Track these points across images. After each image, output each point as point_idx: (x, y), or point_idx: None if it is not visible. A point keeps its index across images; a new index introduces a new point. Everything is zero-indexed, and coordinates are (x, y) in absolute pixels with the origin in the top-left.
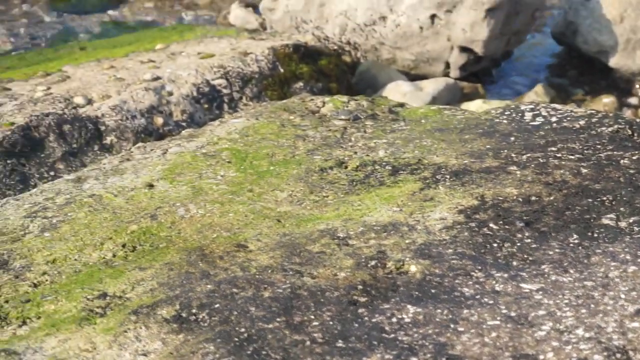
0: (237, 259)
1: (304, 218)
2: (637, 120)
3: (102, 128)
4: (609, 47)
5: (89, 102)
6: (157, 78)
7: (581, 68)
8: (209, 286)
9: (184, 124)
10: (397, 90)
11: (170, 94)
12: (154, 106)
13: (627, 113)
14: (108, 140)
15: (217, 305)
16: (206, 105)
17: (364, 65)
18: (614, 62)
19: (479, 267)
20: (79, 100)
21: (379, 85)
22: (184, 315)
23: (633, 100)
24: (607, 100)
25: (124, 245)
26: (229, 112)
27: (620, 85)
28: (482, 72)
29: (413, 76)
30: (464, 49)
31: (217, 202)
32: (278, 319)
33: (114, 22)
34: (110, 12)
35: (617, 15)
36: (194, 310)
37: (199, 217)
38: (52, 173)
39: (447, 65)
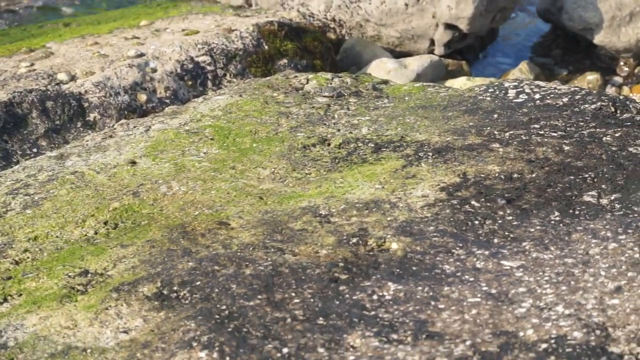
0: (218, 237)
1: (286, 195)
2: (621, 97)
3: (86, 105)
4: (594, 24)
5: (73, 78)
6: (141, 55)
7: (566, 46)
8: (190, 263)
9: (167, 100)
10: (381, 68)
11: (154, 70)
12: (137, 83)
13: (611, 90)
14: (91, 117)
15: (198, 283)
16: (190, 82)
17: (348, 42)
18: (599, 39)
19: (460, 245)
20: (62, 76)
21: (363, 63)
22: (165, 292)
23: (617, 78)
24: (591, 78)
25: (105, 223)
26: (213, 89)
27: (605, 62)
28: (467, 49)
29: (398, 53)
30: (449, 26)
31: (199, 180)
32: (259, 297)
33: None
34: None
35: None
36: (175, 288)
37: (181, 195)
38: (34, 150)
39: (432, 42)
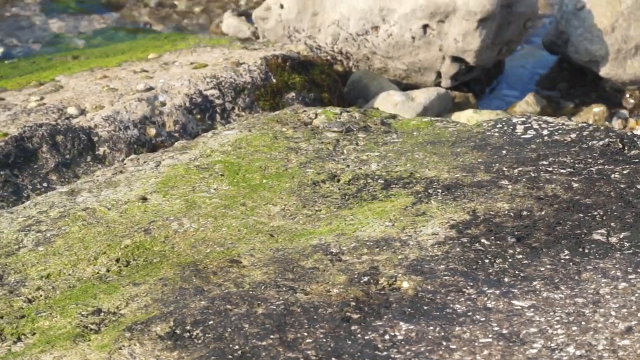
0: (230, 275)
1: (297, 233)
2: (628, 133)
3: (95, 139)
4: (600, 57)
5: (82, 112)
6: (150, 88)
7: (572, 79)
8: (202, 302)
9: (176, 134)
10: (388, 100)
11: (163, 104)
12: (146, 117)
13: (617, 123)
14: (101, 151)
15: (211, 322)
16: (199, 116)
17: (355, 75)
18: (604, 71)
19: (471, 284)
20: (72, 110)
21: (370, 95)
22: (178, 332)
23: (623, 111)
24: (597, 110)
25: (117, 260)
26: (222, 122)
27: (611, 95)
28: (473, 81)
29: (405, 85)
30: (455, 59)
31: (210, 216)
32: (272, 336)
33: (107, 28)
34: (104, 16)
35: (608, 25)
36: (188, 327)
37: (192, 232)
38: (45, 184)
39: (439, 74)
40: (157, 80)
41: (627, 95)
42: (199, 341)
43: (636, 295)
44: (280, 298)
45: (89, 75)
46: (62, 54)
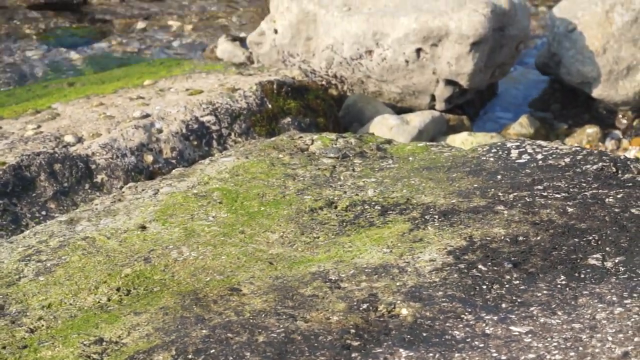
0: (231, 303)
1: (296, 260)
2: (621, 157)
3: (93, 167)
4: (591, 78)
5: (79, 140)
6: (147, 115)
7: (565, 100)
8: (204, 331)
9: (173, 161)
10: (384, 124)
11: (160, 131)
12: (143, 144)
13: (611, 143)
14: (99, 178)
15: (212, 351)
16: (195, 142)
17: (350, 99)
18: (597, 92)
19: (469, 310)
20: (69, 138)
21: (366, 119)
22: None
23: (616, 131)
24: (590, 131)
25: (118, 289)
26: (218, 148)
27: (604, 116)
28: (467, 104)
29: (399, 109)
30: (449, 82)
31: (209, 245)
32: None
33: (102, 55)
34: (97, 44)
35: (599, 47)
36: (190, 356)
37: (192, 260)
38: (43, 212)
39: (433, 97)
40: (154, 107)
41: (620, 116)
42: None
43: (632, 320)
44: (281, 326)
45: (85, 102)
46: (58, 81)
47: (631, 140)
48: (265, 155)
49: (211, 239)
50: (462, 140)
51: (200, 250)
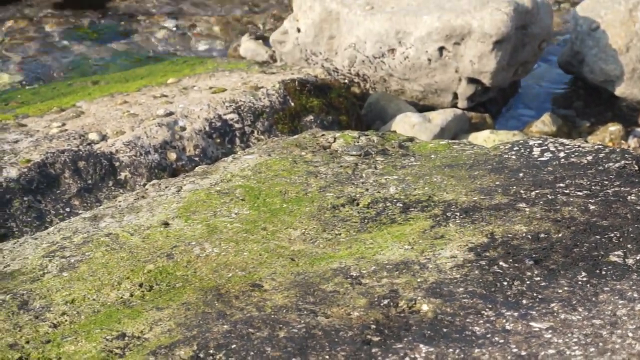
0: (252, 299)
1: (318, 257)
2: None
3: (117, 164)
4: (614, 77)
5: (104, 138)
6: (170, 113)
7: (587, 98)
8: (225, 326)
9: (196, 159)
10: (406, 122)
11: (183, 129)
12: (167, 141)
13: (634, 141)
14: (122, 176)
15: (234, 346)
16: (218, 140)
17: (373, 97)
18: (620, 91)
19: (490, 306)
20: (93, 136)
21: (388, 117)
22: (201, 356)
23: (639, 129)
24: (613, 129)
25: (141, 285)
26: (241, 146)
27: (627, 114)
28: (489, 102)
29: (421, 107)
30: (471, 80)
31: (231, 241)
32: (294, 359)
33: (125, 53)
34: (121, 42)
35: (622, 45)
36: (211, 351)
37: (214, 256)
38: (67, 209)
39: (455, 95)
40: (177, 105)
41: None
42: None
43: None
44: (302, 321)
45: (109, 100)
46: (82, 80)
47: None
48: (288, 153)
49: (233, 236)
50: (484, 138)
51: (222, 247)
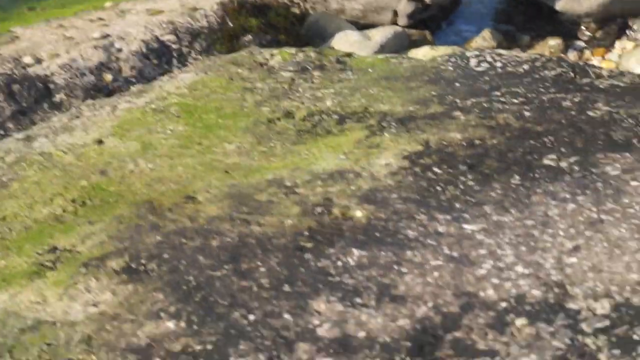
0: (185, 211)
1: (252, 169)
2: (580, 63)
3: (52, 86)
4: None
5: (38, 61)
6: (107, 36)
7: (528, 13)
8: (157, 237)
9: (133, 79)
10: (345, 40)
11: (120, 50)
12: (103, 63)
13: (573, 54)
14: (57, 98)
15: (166, 256)
16: (155, 61)
17: (313, 16)
18: (560, 5)
19: (423, 210)
20: (27, 60)
21: (327, 36)
22: (133, 266)
23: (579, 42)
24: (553, 43)
25: (73, 201)
26: (178, 67)
27: (567, 28)
28: (430, 19)
29: (361, 25)
30: None
31: (166, 156)
32: (226, 267)
33: None
34: None
35: None
36: (143, 261)
37: (148, 172)
38: (1, 132)
39: (396, 13)
40: (114, 27)
41: (583, 28)
42: (154, 274)
43: (584, 215)
44: (235, 230)
45: (45, 25)
46: (18, 6)
47: (593, 51)
48: (225, 71)
49: (168, 151)
50: (423, 54)
51: (156, 162)
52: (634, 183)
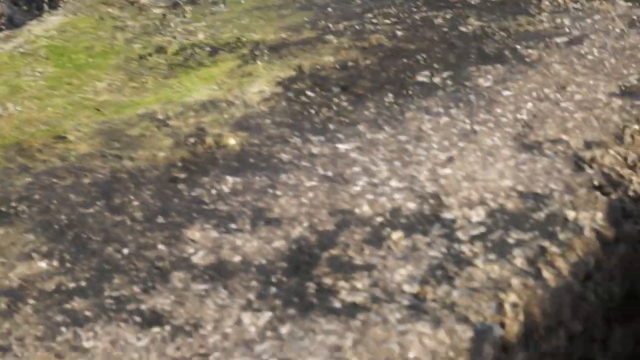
0: (55, 150)
1: (124, 105)
2: None
3: None
4: None
5: None
6: None
7: None
8: (27, 179)
9: (2, 27)
10: None
11: None
12: None
13: None
14: None
15: (36, 197)
16: (25, 7)
17: None
18: None
19: (297, 134)
20: None
21: None
22: (3, 209)
23: None
24: None
25: None
26: (50, 12)
27: None
28: None
29: None
30: None
31: (35, 98)
32: (98, 203)
33: None
34: None
35: None
36: (13, 204)
37: (16, 114)
38: None
39: None
40: None
41: None
42: (25, 216)
43: (457, 127)
44: (107, 166)
45: None
46: None
47: None
48: (94, 11)
49: (37, 93)
50: None
51: (25, 104)
52: (505, 93)
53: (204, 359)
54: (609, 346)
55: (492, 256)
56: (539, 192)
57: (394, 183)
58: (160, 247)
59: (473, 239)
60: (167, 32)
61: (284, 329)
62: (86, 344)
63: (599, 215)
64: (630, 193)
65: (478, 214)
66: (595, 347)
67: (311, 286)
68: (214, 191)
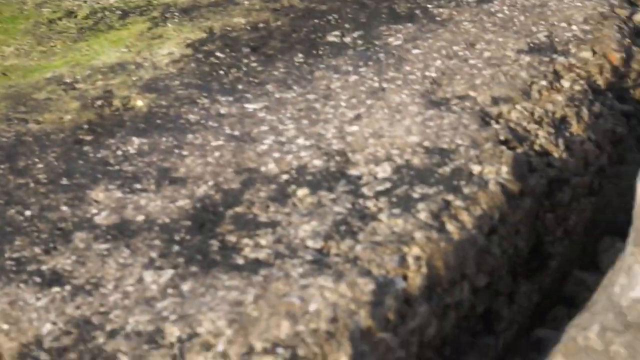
0: None
1: (31, 69)
2: None
3: None
4: None
5: None
6: None
7: None
8: None
9: None
10: None
11: None
12: None
13: None
14: None
15: None
16: None
17: None
18: None
19: (205, 94)
20: None
21: None
22: None
23: None
24: None
25: None
26: None
27: None
28: None
29: None
30: None
31: None
32: (2, 167)
33: None
34: None
35: None
36: None
37: None
38: None
39: None
40: None
41: None
42: None
43: (366, 85)
44: (12, 130)
45: None
46: None
47: None
48: None
49: None
50: None
51: None
52: (415, 51)
53: (104, 317)
54: (514, 300)
55: (396, 211)
56: (445, 147)
57: (300, 141)
58: (64, 208)
59: (378, 195)
60: None
61: (186, 286)
62: None
63: (504, 169)
64: (537, 147)
65: (384, 170)
66: (500, 300)
67: (214, 244)
68: (119, 152)
